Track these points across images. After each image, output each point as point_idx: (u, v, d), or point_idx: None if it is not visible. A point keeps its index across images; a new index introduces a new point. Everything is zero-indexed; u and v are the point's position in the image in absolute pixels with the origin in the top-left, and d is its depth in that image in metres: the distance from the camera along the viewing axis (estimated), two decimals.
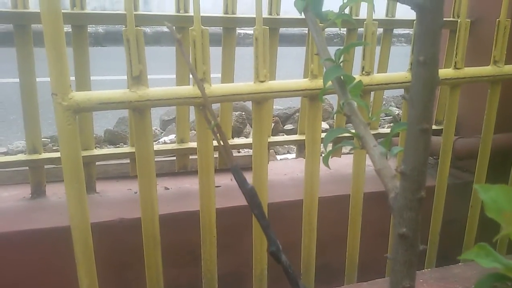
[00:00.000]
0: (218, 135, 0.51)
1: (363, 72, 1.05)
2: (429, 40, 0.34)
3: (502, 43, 1.14)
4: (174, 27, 0.70)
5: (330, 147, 1.63)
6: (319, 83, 0.99)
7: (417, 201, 0.39)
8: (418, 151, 0.36)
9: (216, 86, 0.92)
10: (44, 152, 1.26)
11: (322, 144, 1.10)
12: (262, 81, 0.95)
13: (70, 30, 1.15)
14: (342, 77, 0.47)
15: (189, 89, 0.91)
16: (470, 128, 1.33)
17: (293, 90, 0.99)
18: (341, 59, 0.47)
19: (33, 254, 1.15)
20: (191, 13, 1.22)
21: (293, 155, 2.01)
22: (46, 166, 1.27)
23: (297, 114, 2.45)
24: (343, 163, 1.62)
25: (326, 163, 0.49)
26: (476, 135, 1.37)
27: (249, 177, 1.54)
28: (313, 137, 1.05)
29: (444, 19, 1.46)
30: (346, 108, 0.47)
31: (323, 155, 1.33)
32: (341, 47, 0.49)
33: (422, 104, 0.35)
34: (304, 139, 1.47)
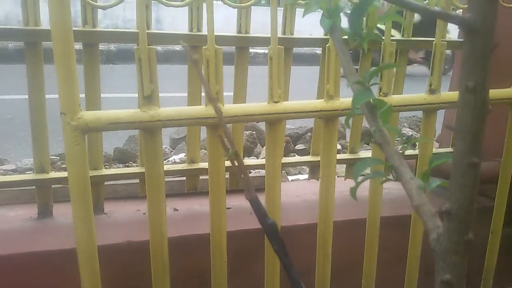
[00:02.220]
0: (236, 163, 0.48)
1: (381, 93, 1.02)
2: (479, 64, 0.30)
3: None
4: (187, 44, 0.68)
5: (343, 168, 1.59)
6: (335, 104, 0.96)
7: (463, 244, 0.35)
8: (466, 188, 0.32)
9: (230, 106, 0.90)
10: (52, 170, 1.24)
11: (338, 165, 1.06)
12: (276, 102, 0.92)
13: (81, 47, 1.13)
14: (371, 101, 0.44)
15: (200, 109, 0.89)
16: (490, 152, 1.28)
17: (308, 111, 0.96)
18: (371, 82, 0.44)
19: (38, 277, 1.12)
20: (204, 32, 1.20)
21: (305, 176, 1.97)
22: (53, 186, 1.24)
23: (308, 134, 2.42)
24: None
25: (353, 195, 0.45)
26: (495, 158, 1.33)
27: (261, 199, 1.51)
28: (329, 159, 1.01)
29: (461, 39, 1.44)
30: (377, 135, 0.43)
31: (337, 176, 1.30)
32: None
33: (471, 135, 0.31)
34: (317, 160, 1.44)
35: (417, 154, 1.46)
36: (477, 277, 1.37)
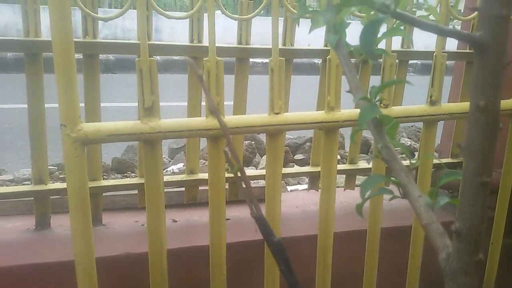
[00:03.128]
0: (242, 178, 0.48)
1: (381, 105, 1.02)
2: (491, 83, 0.30)
3: None
4: (192, 59, 0.67)
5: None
6: (336, 115, 0.96)
7: (474, 264, 0.34)
8: (476, 208, 0.32)
9: (230, 118, 0.89)
10: (50, 181, 1.23)
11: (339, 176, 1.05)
12: (277, 113, 0.92)
13: (81, 57, 1.13)
14: (378, 117, 0.43)
15: (201, 121, 0.88)
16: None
17: (309, 122, 0.95)
18: (377, 98, 0.44)
19: None
20: (204, 43, 1.20)
21: (304, 186, 1.96)
22: (51, 197, 1.23)
23: (307, 144, 2.42)
24: (356, 196, 1.57)
25: (359, 212, 0.45)
26: (495, 169, 1.32)
27: (261, 209, 1.49)
28: (329, 170, 1.01)
29: (461, 50, 1.44)
30: (384, 152, 0.43)
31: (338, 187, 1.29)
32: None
33: (482, 154, 0.31)
34: (317, 171, 1.44)
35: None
36: None
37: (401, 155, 2.44)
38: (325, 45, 1.31)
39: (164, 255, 0.93)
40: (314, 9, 0.48)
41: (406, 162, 1.49)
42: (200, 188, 1.39)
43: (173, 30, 7.54)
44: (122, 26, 7.77)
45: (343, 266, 1.17)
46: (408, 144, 2.51)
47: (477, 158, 0.32)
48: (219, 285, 0.99)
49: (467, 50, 1.41)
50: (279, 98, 0.91)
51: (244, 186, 0.49)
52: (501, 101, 1.13)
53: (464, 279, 0.34)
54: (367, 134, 2.55)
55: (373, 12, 0.43)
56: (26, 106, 1.13)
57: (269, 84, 0.90)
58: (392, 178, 0.43)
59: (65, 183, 1.25)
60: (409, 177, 0.42)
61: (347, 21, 0.44)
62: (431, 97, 1.06)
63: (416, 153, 2.49)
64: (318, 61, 7.44)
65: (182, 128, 0.87)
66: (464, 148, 0.32)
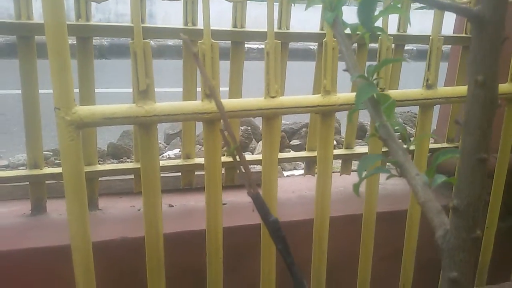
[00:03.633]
0: (238, 158, 0.47)
1: (378, 89, 1.01)
2: (489, 58, 0.30)
3: None
4: (186, 36, 0.66)
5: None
6: (332, 99, 0.96)
7: (472, 241, 0.34)
8: (474, 184, 0.32)
9: (226, 101, 0.89)
10: (45, 167, 1.22)
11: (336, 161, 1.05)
12: (273, 97, 0.91)
13: (74, 42, 1.12)
14: (375, 95, 0.43)
15: (197, 104, 0.88)
16: None
17: (305, 106, 0.95)
18: (374, 76, 0.43)
19: (32, 274, 1.10)
20: (199, 26, 1.19)
21: (300, 171, 1.96)
22: (47, 182, 1.23)
23: (303, 129, 2.42)
24: (353, 180, 1.57)
25: (356, 191, 0.44)
26: (492, 154, 1.33)
27: None
28: (325, 155, 1.01)
29: (457, 35, 1.43)
30: (381, 131, 0.42)
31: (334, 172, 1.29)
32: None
33: (480, 130, 0.31)
34: (313, 156, 1.44)
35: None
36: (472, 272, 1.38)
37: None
38: (321, 29, 1.30)
39: (161, 240, 0.93)
40: None
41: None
42: (196, 173, 1.39)
43: (167, 15, 7.47)
44: (115, 11, 7.69)
45: (338, 250, 1.18)
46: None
47: (475, 134, 0.32)
48: (216, 269, 0.99)
49: (463, 35, 1.41)
50: (275, 82, 0.91)
51: (241, 167, 0.48)
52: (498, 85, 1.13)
53: (462, 255, 0.35)
54: (363, 119, 2.55)
55: None
56: (19, 91, 1.12)
57: (265, 68, 0.89)
58: (389, 158, 0.43)
59: (59, 168, 1.25)
60: (406, 155, 0.41)
61: None
62: (427, 80, 1.06)
63: (412, 139, 2.49)
64: (313, 46, 7.40)
65: (177, 111, 0.86)
66: (462, 124, 0.32)
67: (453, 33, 1.48)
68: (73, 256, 0.86)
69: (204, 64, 0.84)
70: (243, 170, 0.48)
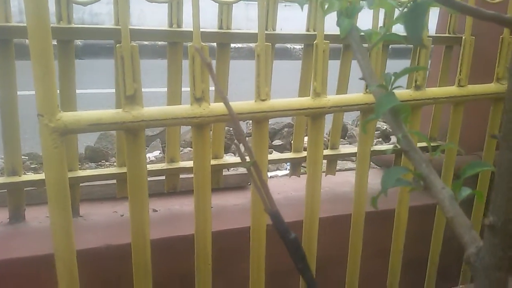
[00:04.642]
0: (255, 174, 0.45)
1: (366, 90, 1.01)
2: None
3: (505, 60, 1.12)
4: (199, 47, 0.63)
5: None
6: (322, 101, 0.95)
7: (508, 259, 0.33)
8: None
9: (216, 105, 0.87)
10: (22, 171, 1.17)
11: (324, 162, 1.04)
12: (263, 100, 0.90)
13: (55, 43, 1.07)
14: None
15: (186, 109, 0.86)
16: (470, 146, 1.30)
17: (295, 109, 0.94)
18: (394, 85, 0.42)
19: (12, 285, 1.06)
20: (184, 28, 1.16)
21: (283, 172, 1.95)
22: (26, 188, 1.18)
23: (285, 129, 2.41)
24: (337, 181, 1.57)
25: (375, 204, 0.43)
26: (474, 152, 1.34)
27: (242, 196, 1.48)
28: (315, 157, 1.00)
29: (440, 34, 1.44)
30: (403, 142, 0.41)
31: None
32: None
33: None
34: (299, 157, 1.43)
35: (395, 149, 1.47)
36: (456, 270, 1.39)
37: (377, 139, 2.46)
38: (307, 30, 1.29)
39: (148, 246, 0.91)
40: None
41: (379, 147, 1.48)
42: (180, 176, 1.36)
43: (142, 13, 7.36)
44: (90, 11, 7.53)
45: (327, 250, 1.17)
46: (384, 128, 2.53)
47: None
48: (205, 274, 0.97)
49: (446, 34, 1.42)
50: (265, 85, 0.89)
51: (257, 183, 0.46)
52: (484, 85, 1.14)
53: (498, 274, 0.33)
54: (345, 118, 2.55)
55: None
56: None
57: (255, 71, 0.88)
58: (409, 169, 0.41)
59: (39, 174, 1.20)
60: (430, 168, 0.40)
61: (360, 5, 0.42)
62: (416, 81, 1.06)
63: (392, 136, 2.51)
64: (290, 45, 7.39)
65: (166, 116, 0.84)
66: (500, 139, 0.31)
67: (436, 33, 1.49)
68: (57, 267, 0.83)
69: (193, 68, 0.82)
70: (260, 186, 0.46)
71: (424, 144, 1.52)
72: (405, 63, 1.37)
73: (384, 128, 2.53)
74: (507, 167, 0.31)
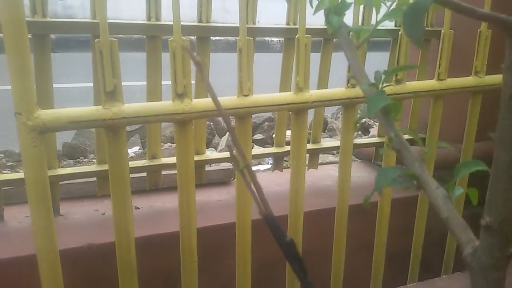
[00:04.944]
0: (248, 177, 0.45)
1: (349, 85, 1.01)
2: None
3: (483, 53, 1.13)
4: (187, 45, 0.62)
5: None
6: (305, 96, 0.94)
7: (505, 259, 0.33)
8: (509, 202, 0.31)
9: (199, 101, 0.86)
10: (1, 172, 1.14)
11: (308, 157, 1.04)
12: (246, 95, 0.89)
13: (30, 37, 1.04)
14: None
15: (167, 105, 0.84)
16: (449, 138, 1.32)
17: (278, 104, 0.93)
18: (384, 84, 0.42)
19: None
20: (162, 21, 1.15)
21: (265, 166, 1.96)
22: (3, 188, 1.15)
23: (266, 123, 2.40)
24: (319, 175, 1.58)
25: (367, 203, 0.43)
26: (455, 144, 1.36)
27: (225, 192, 1.47)
28: (299, 151, 1.00)
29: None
30: (395, 142, 0.41)
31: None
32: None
33: None
34: (281, 152, 1.43)
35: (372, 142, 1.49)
36: (438, 261, 1.41)
37: (357, 133, 2.48)
38: (287, 23, 1.28)
39: (132, 245, 0.89)
40: None
41: (360, 140, 1.49)
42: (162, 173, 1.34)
43: (115, 3, 7.21)
44: (63, 3, 7.37)
45: (312, 243, 1.18)
46: (363, 121, 2.56)
47: (509, 149, 0.30)
48: (190, 271, 0.96)
49: (427, 28, 1.43)
50: (248, 80, 0.88)
51: (249, 183, 0.45)
52: (463, 78, 1.16)
53: (495, 274, 0.33)
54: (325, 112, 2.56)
55: None
56: None
57: (238, 66, 0.87)
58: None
59: (17, 173, 1.17)
60: (423, 167, 0.40)
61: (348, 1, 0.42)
62: (396, 76, 1.07)
63: (371, 129, 2.53)
64: (268, 38, 7.36)
65: (147, 113, 0.82)
66: (495, 139, 0.31)
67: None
68: (40, 268, 0.81)
69: (175, 63, 0.81)
70: (253, 188, 0.46)
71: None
72: (383, 55, 1.37)
73: (363, 121, 2.55)
74: (503, 168, 0.31)
